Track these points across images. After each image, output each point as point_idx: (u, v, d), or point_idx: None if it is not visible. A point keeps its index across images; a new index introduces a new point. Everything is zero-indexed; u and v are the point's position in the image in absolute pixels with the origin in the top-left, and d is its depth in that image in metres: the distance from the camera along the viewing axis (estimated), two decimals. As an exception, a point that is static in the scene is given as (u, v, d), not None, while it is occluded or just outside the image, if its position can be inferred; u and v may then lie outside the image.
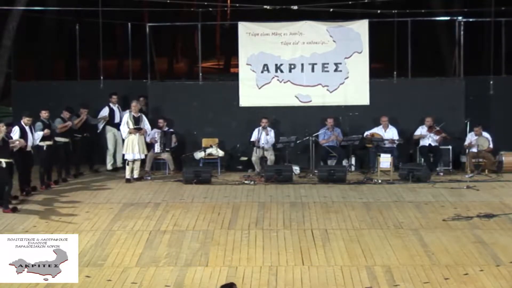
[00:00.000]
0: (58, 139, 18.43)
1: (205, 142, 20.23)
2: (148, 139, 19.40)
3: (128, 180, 18.74)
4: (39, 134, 17.45)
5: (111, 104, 20.24)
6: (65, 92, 20.88)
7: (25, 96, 21.19)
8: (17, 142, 16.29)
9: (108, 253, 12.77)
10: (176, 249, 12.95)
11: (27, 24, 28.46)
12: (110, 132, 20.25)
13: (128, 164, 18.87)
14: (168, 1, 21.71)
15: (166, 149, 19.69)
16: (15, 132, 16.59)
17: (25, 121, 16.92)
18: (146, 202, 16.48)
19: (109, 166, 20.35)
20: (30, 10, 23.32)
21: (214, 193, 17.41)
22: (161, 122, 19.85)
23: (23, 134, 16.69)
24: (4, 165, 15.57)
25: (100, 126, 20.22)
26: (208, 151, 19.77)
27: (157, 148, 19.57)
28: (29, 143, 16.96)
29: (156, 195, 17.18)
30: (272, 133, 19.72)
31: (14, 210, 15.50)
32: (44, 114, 17.90)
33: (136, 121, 18.97)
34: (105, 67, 22.76)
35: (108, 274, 11.68)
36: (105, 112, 20.13)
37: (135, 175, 18.94)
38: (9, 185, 15.79)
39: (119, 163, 20.38)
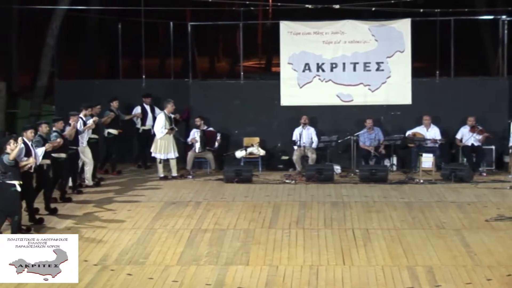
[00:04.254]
0: (54, 155, 15.72)
1: (246, 141, 20.26)
2: (188, 140, 19.52)
3: (164, 178, 18.86)
4: (41, 150, 14.63)
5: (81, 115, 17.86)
6: (107, 91, 20.92)
7: (68, 94, 21.37)
8: (31, 159, 13.97)
9: (149, 251, 12.83)
10: (217, 248, 12.96)
11: (70, 24, 28.70)
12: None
13: (160, 163, 18.97)
14: (210, 0, 21.74)
15: (207, 148, 19.74)
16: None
17: (28, 134, 14.23)
18: (187, 200, 16.54)
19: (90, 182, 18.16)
20: (73, 9, 23.54)
21: (255, 192, 17.43)
22: (197, 121, 19.92)
23: (27, 151, 14.00)
24: (19, 188, 13.16)
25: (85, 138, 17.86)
26: (249, 150, 19.81)
27: (198, 148, 19.61)
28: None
29: (197, 194, 17.23)
30: (312, 130, 19.65)
31: None
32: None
33: (170, 121, 19.07)
34: (147, 66, 22.90)
35: (149, 272, 11.73)
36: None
37: (174, 173, 19.05)
38: (19, 215, 13.14)
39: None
